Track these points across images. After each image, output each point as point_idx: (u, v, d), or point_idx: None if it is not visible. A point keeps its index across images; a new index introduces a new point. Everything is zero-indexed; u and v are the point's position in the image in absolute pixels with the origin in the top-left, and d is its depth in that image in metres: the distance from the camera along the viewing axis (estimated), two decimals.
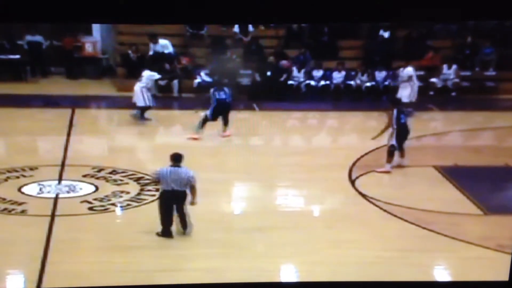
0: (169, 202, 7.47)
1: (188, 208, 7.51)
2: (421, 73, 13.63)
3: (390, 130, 9.75)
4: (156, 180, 7.65)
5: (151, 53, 13.57)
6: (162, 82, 13.12)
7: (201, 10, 4.44)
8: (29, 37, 13.56)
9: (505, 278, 5.89)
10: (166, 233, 7.48)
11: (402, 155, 9.91)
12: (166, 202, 7.49)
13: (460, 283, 7.01)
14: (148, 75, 11.67)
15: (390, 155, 9.72)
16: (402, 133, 9.76)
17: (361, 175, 9.52)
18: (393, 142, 9.69)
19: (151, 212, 7.64)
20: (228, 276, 6.77)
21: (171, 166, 7.41)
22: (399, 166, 9.88)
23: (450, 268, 7.34)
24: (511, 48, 13.94)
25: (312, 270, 7.02)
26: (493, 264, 7.00)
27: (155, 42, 13.44)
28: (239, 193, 9.25)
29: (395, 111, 9.78)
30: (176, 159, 7.47)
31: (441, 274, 7.31)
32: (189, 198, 7.50)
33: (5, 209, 8.11)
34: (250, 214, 8.47)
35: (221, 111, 10.73)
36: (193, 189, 7.44)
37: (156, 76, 11.87)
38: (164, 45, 13.57)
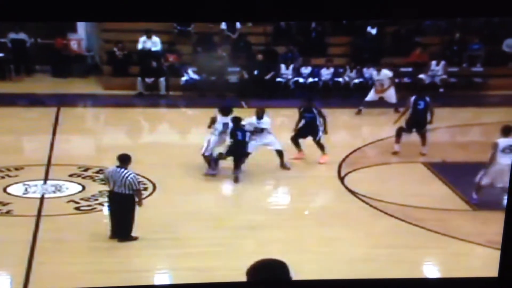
0: (111, 204, 7.43)
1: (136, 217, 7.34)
2: (409, 69, 13.66)
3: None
4: (104, 180, 7.59)
5: (139, 47, 13.44)
6: (149, 80, 13.00)
7: (189, 8, 4.38)
8: (12, 35, 13.38)
9: (495, 273, 5.89)
10: (111, 234, 7.39)
11: (422, 143, 10.10)
12: (109, 203, 7.48)
13: (449, 280, 7.00)
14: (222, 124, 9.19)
15: (397, 135, 10.08)
16: (415, 118, 10.02)
17: (350, 172, 9.51)
18: (404, 124, 10.06)
19: (139, 211, 7.52)
20: (217, 275, 6.71)
21: (116, 166, 7.32)
22: (421, 154, 10.05)
23: (439, 265, 7.37)
24: (498, 44, 14.00)
25: (301, 268, 6.95)
26: (483, 260, 7.02)
27: (149, 37, 13.34)
28: (228, 191, 9.18)
29: (414, 97, 10.12)
30: (121, 159, 7.35)
31: (431, 271, 7.32)
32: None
33: None
34: (239, 212, 8.42)
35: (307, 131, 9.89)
36: (136, 192, 7.33)
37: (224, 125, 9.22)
38: (155, 42, 13.47)
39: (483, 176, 8.28)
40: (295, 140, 9.67)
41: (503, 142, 8.21)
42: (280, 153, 9.32)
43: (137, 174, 7.40)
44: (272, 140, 9.32)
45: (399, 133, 10.08)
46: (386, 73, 12.52)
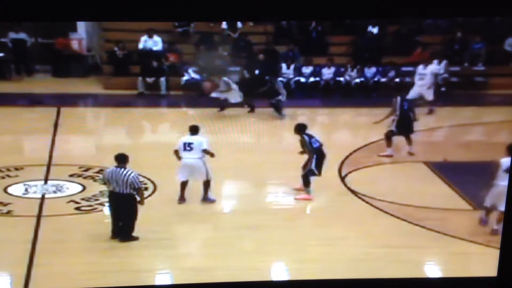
0: (111, 204, 7.39)
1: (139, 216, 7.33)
2: (411, 68, 13.63)
3: (393, 116, 10.06)
4: (104, 182, 7.52)
5: (140, 46, 13.43)
6: (149, 80, 12.99)
7: (190, 7, 4.37)
8: (12, 35, 13.37)
9: (495, 272, 5.88)
10: (112, 234, 7.39)
11: (409, 142, 10.11)
12: (110, 204, 7.43)
13: (449, 279, 7.01)
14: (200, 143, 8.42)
15: (388, 139, 10.02)
16: (403, 120, 10.00)
17: (351, 171, 9.49)
18: (393, 127, 10.00)
19: (140, 211, 7.52)
20: (217, 275, 6.71)
21: (115, 166, 7.29)
22: (409, 153, 10.06)
23: (440, 264, 7.35)
24: (500, 43, 13.95)
25: (301, 268, 6.99)
26: (483, 259, 7.01)
27: (151, 36, 13.34)
28: (228, 191, 9.16)
29: (398, 98, 10.08)
30: (119, 159, 7.32)
31: (431, 270, 7.30)
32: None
33: None
34: (239, 212, 8.42)
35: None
36: (138, 191, 7.31)
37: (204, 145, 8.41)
38: (156, 41, 13.48)
39: (485, 199, 7.72)
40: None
41: (506, 161, 7.33)
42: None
43: (127, 168, 7.37)
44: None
45: (389, 136, 10.05)
46: (433, 68, 12.54)
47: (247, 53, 13.80)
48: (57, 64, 13.60)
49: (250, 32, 14.14)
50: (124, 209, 7.31)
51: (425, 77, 12.48)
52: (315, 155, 8.59)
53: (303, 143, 8.65)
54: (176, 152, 8.34)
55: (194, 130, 8.44)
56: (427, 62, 12.62)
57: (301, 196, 8.66)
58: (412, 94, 12.32)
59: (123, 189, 7.22)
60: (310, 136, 8.68)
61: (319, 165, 8.61)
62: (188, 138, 8.38)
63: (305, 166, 8.68)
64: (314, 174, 8.62)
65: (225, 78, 11.94)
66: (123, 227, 7.34)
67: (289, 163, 9.39)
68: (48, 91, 12.80)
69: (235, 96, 11.85)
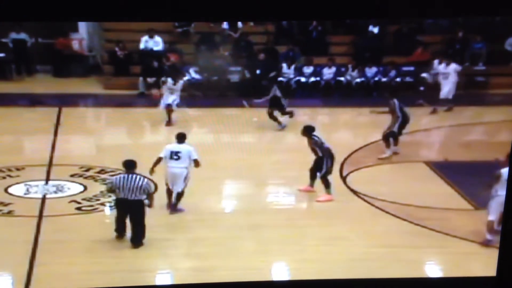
0: (121, 211, 7.31)
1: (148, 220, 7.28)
2: (411, 68, 13.63)
3: (391, 118, 10.04)
4: (111, 190, 7.37)
5: (141, 47, 13.43)
6: (150, 80, 12.99)
7: (190, 7, 4.37)
8: (13, 35, 13.38)
9: (494, 272, 5.88)
10: (118, 234, 7.38)
11: (396, 143, 10.12)
12: (118, 210, 7.34)
13: (449, 279, 7.01)
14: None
15: (387, 140, 10.05)
16: (404, 121, 10.07)
17: (352, 171, 9.49)
18: (395, 129, 10.01)
19: None
20: (217, 275, 6.71)
21: (125, 173, 7.21)
22: (394, 153, 10.07)
23: (440, 264, 7.36)
24: (501, 42, 13.95)
25: (301, 268, 6.99)
26: (484, 259, 7.00)
27: (151, 36, 13.34)
28: (228, 191, 9.18)
29: (396, 101, 10.06)
30: (128, 166, 7.22)
31: (432, 270, 7.30)
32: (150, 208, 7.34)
33: None
34: (240, 212, 8.42)
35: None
36: (150, 196, 7.27)
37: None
38: (157, 41, 13.48)
39: (489, 211, 7.44)
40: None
41: (507, 172, 6.69)
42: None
43: (138, 174, 7.37)
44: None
45: (388, 137, 10.06)
46: (455, 67, 12.62)
47: (247, 53, 13.81)
48: (58, 64, 13.61)
49: (251, 32, 14.14)
50: (137, 215, 7.24)
51: (448, 76, 12.54)
52: (328, 155, 8.56)
53: (315, 144, 8.57)
54: (158, 160, 7.96)
55: (181, 138, 8.08)
56: (447, 61, 12.70)
57: (324, 198, 8.59)
58: (445, 93, 12.39)
59: (134, 195, 7.16)
60: (318, 138, 8.65)
61: (332, 165, 8.62)
62: (176, 146, 8.03)
63: (313, 169, 8.65)
64: (330, 173, 8.61)
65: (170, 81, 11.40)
66: (139, 233, 7.27)
67: (290, 163, 9.43)
68: (49, 91, 12.81)
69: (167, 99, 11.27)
